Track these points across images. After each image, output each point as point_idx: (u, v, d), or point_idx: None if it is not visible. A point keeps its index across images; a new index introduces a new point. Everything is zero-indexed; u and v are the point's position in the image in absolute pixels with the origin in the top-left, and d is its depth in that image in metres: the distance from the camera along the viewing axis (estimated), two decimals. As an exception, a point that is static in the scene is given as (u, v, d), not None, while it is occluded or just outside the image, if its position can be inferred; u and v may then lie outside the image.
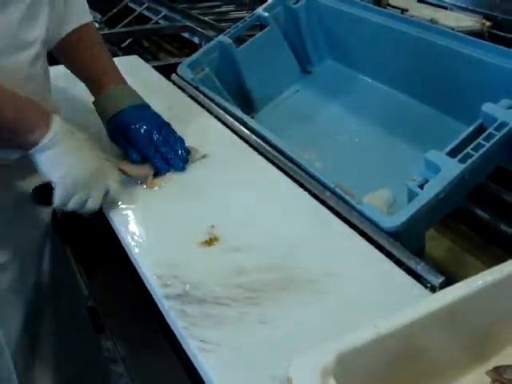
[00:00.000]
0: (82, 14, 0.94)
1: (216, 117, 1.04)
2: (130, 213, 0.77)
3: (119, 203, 0.79)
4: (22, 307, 0.91)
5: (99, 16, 1.95)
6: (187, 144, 0.89)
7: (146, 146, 0.85)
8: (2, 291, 0.87)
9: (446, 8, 1.58)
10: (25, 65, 0.76)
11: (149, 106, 0.91)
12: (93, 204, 0.75)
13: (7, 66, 0.73)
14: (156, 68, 1.32)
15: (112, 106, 0.89)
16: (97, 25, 1.86)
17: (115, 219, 0.76)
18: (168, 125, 0.90)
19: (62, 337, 0.99)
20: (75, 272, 0.89)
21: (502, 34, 1.49)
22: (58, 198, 0.72)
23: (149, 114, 0.89)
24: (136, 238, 0.72)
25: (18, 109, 0.70)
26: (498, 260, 0.55)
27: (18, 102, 0.71)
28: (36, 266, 0.93)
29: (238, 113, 1.03)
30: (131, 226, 0.74)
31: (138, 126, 0.86)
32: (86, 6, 0.97)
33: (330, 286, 0.64)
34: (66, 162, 0.72)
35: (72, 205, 0.74)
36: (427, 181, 0.73)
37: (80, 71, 0.94)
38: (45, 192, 0.73)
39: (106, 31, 1.89)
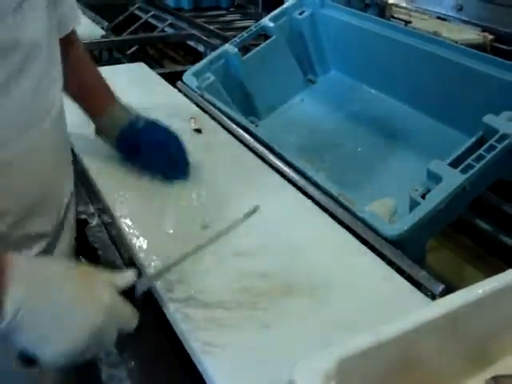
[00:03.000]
0: (73, 16, 0.81)
1: (220, 124, 1.05)
2: (136, 217, 0.78)
3: (125, 206, 0.80)
4: None
5: (106, 23, 1.96)
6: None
7: (158, 165, 0.86)
8: None
9: (448, 21, 1.60)
10: (47, 129, 0.66)
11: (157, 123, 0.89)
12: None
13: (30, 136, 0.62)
14: (161, 75, 1.33)
15: (122, 123, 0.86)
16: (103, 32, 1.88)
17: (122, 225, 0.77)
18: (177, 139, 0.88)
19: None
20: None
21: (504, 47, 1.50)
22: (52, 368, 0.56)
23: (164, 133, 0.87)
24: (142, 242, 0.73)
25: None
26: (498, 270, 0.56)
27: None
28: None
29: (243, 121, 1.04)
30: (137, 231, 0.75)
31: (155, 147, 0.85)
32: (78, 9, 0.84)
33: (332, 293, 0.65)
34: (47, 344, 0.51)
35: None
36: (429, 190, 0.74)
37: (74, 89, 0.83)
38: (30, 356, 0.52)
39: (113, 38, 1.90)
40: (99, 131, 0.89)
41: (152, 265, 0.69)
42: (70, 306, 0.52)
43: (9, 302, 0.48)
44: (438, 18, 1.63)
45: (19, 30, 0.56)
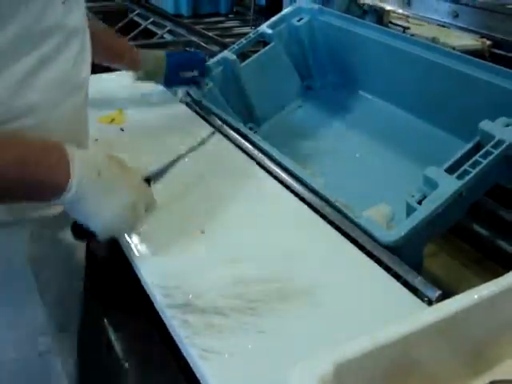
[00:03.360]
0: None
1: (219, 131, 1.06)
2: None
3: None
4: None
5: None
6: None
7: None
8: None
9: (446, 27, 1.60)
10: (81, 107, 0.75)
11: None
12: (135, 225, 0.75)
13: (65, 111, 0.70)
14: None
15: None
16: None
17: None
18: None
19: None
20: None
21: (502, 52, 1.51)
22: (100, 238, 0.69)
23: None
24: (139, 248, 0.73)
25: (25, 162, 0.61)
26: (495, 275, 0.56)
27: (23, 153, 0.61)
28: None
29: (241, 127, 1.04)
30: (134, 237, 0.76)
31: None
32: None
33: (328, 298, 0.65)
34: (98, 214, 0.66)
35: (115, 235, 0.73)
36: (425, 196, 0.74)
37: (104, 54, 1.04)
38: (84, 228, 0.68)
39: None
40: (146, 75, 1.13)
41: (148, 268, 0.69)
42: (115, 184, 0.68)
43: (74, 177, 0.62)
44: (435, 24, 1.63)
45: (65, 17, 0.67)
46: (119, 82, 1.30)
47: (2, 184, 0.60)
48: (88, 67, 0.76)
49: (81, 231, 0.68)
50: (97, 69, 1.31)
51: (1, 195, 0.63)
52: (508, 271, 0.56)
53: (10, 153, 0.60)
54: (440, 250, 0.98)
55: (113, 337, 0.75)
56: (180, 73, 1.15)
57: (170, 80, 1.15)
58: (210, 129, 1.06)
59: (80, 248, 0.86)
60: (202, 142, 1.00)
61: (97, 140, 0.98)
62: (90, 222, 0.67)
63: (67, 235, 0.73)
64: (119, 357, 0.71)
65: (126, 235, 0.76)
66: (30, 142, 0.63)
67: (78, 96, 0.73)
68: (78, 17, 0.71)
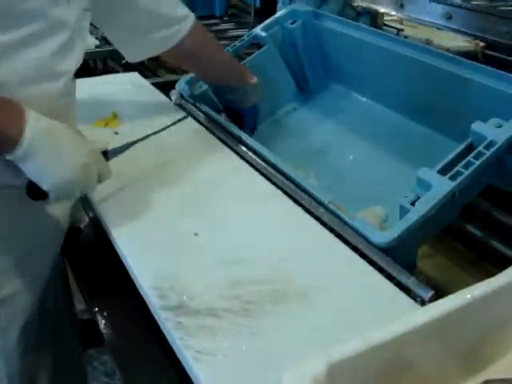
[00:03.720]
0: (183, 17, 0.99)
1: (213, 133, 1.06)
2: (127, 225, 0.78)
3: (118, 215, 0.81)
4: (24, 337, 0.88)
5: (101, 33, 1.97)
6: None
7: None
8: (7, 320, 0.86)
9: (439, 29, 1.61)
10: (55, 95, 0.76)
11: None
12: (89, 191, 0.79)
13: (38, 94, 0.73)
14: (155, 85, 1.34)
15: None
16: (97, 41, 1.88)
17: (113, 231, 0.78)
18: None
19: (61, 365, 0.98)
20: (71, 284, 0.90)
21: (495, 54, 1.51)
22: (52, 199, 0.72)
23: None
24: (133, 249, 0.74)
25: None
26: (489, 275, 0.56)
27: None
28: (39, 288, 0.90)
29: (235, 129, 1.05)
30: (129, 239, 0.76)
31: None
32: (183, 5, 1.00)
33: (322, 300, 0.65)
34: (50, 172, 0.69)
35: (68, 198, 0.77)
36: (419, 198, 0.75)
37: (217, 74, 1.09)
38: (37, 188, 0.71)
39: (107, 47, 1.91)
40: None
41: (143, 272, 0.69)
42: (67, 146, 0.71)
43: (27, 132, 0.65)
44: (430, 26, 1.64)
45: (50, 7, 0.70)
46: (114, 86, 1.30)
47: None
48: (73, 62, 0.78)
49: (34, 191, 0.71)
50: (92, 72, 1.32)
51: None
52: (501, 271, 0.57)
53: None
54: (434, 251, 0.98)
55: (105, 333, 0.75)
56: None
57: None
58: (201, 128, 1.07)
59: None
60: (174, 123, 1.00)
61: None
62: (41, 180, 0.69)
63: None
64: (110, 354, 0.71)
65: (120, 237, 0.76)
66: None
67: (54, 85, 0.75)
68: (71, 12, 0.74)
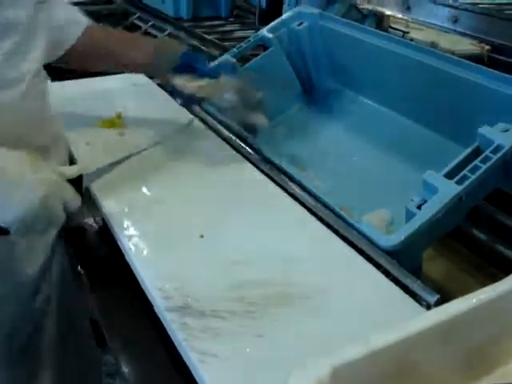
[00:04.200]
0: (79, 20, 0.97)
1: (218, 134, 1.06)
2: (133, 226, 0.79)
3: (123, 216, 0.81)
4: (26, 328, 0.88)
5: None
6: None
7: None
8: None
9: (445, 32, 1.60)
10: (17, 102, 0.73)
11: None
12: (57, 223, 0.75)
13: None
14: (160, 85, 1.34)
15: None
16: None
17: (119, 232, 0.78)
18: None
19: (64, 359, 0.97)
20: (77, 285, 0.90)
21: (501, 57, 1.51)
22: (14, 235, 0.71)
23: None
24: (138, 250, 0.74)
25: None
26: (494, 280, 0.56)
27: None
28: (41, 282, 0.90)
29: (240, 130, 1.05)
30: (134, 239, 0.76)
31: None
32: (77, 12, 0.99)
33: (327, 303, 0.65)
34: (6, 207, 0.68)
35: (33, 232, 0.73)
36: (425, 201, 0.75)
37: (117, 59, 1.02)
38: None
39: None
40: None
41: (148, 273, 0.69)
42: (19, 181, 0.68)
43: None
44: (434, 29, 1.64)
45: (8, 11, 0.69)
46: (119, 85, 1.31)
47: None
48: (30, 64, 0.74)
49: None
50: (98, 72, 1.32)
51: None
52: (507, 276, 0.56)
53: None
54: (439, 254, 0.98)
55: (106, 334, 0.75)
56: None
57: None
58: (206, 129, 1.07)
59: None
60: (181, 130, 1.02)
61: (88, 144, 0.98)
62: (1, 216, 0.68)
63: None
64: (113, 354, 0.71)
65: (125, 237, 0.76)
66: None
67: (13, 92, 0.72)
68: (18, 14, 0.71)
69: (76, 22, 0.96)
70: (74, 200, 0.75)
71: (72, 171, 0.75)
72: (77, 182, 0.76)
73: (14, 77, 0.72)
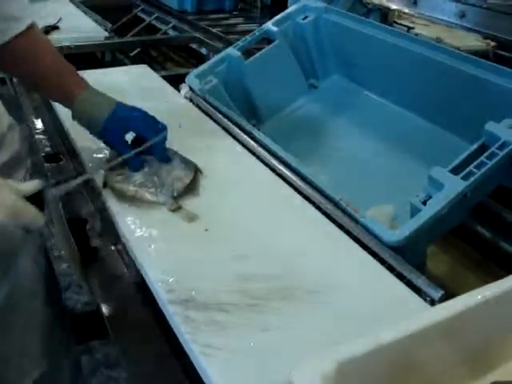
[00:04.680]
0: (25, 14, 0.84)
1: (222, 127, 1.06)
2: (135, 219, 0.78)
3: (126, 209, 0.80)
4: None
5: (109, 25, 1.97)
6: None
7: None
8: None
9: (451, 28, 1.60)
10: None
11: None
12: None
13: None
14: (164, 78, 1.34)
15: (100, 108, 0.86)
16: (107, 33, 1.88)
17: (122, 225, 0.77)
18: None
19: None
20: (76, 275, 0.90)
21: (506, 54, 1.50)
22: None
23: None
24: (141, 243, 0.73)
25: None
26: (497, 277, 0.56)
27: None
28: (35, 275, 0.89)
29: (245, 124, 1.04)
30: (137, 232, 0.75)
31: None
32: (27, 6, 0.86)
33: (331, 297, 0.65)
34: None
35: None
36: (430, 197, 0.74)
37: (38, 79, 0.87)
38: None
39: (116, 40, 1.91)
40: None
41: (154, 270, 0.69)
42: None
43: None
44: (441, 24, 1.63)
45: None
46: (123, 78, 1.30)
47: None
48: None
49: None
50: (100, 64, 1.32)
51: None
52: (511, 273, 0.56)
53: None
54: (442, 251, 0.98)
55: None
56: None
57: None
58: (211, 123, 1.06)
59: None
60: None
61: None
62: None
63: None
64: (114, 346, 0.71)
65: (128, 230, 0.76)
66: None
67: None
68: None
69: (17, 19, 0.83)
70: (35, 221, 0.66)
71: (30, 187, 0.66)
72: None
73: None
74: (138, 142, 0.86)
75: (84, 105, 0.86)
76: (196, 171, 0.88)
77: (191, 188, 0.85)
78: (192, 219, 0.78)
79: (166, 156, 0.87)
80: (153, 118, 0.87)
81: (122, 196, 0.82)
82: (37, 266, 0.90)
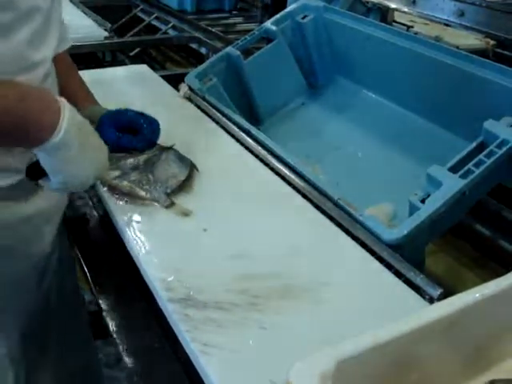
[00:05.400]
0: (66, 37, 0.92)
1: (222, 127, 1.06)
2: (135, 218, 0.78)
3: (125, 209, 0.80)
4: (27, 315, 0.86)
5: (109, 25, 1.97)
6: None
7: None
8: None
9: (450, 26, 1.60)
10: (38, 83, 0.73)
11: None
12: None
13: None
14: (163, 77, 1.33)
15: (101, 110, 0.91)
16: (106, 33, 1.88)
17: (121, 225, 0.78)
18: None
19: (66, 346, 0.97)
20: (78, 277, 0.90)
21: (506, 52, 1.50)
22: (54, 189, 0.71)
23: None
24: (141, 242, 0.73)
25: (24, 99, 0.65)
26: (496, 275, 0.56)
27: (23, 91, 0.66)
28: (42, 273, 0.88)
29: (244, 123, 1.04)
30: (136, 232, 0.76)
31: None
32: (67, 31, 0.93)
33: (330, 295, 0.65)
34: (70, 170, 0.69)
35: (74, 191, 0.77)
36: (429, 195, 0.74)
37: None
38: (40, 171, 0.69)
39: (116, 40, 1.91)
40: None
41: (153, 268, 0.69)
42: (96, 143, 0.72)
43: (64, 122, 0.64)
44: (440, 23, 1.63)
45: None
46: (123, 77, 1.30)
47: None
48: (49, 49, 0.76)
49: (36, 172, 0.69)
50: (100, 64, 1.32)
51: None
52: (509, 271, 0.56)
53: (10, 89, 0.64)
54: (441, 249, 0.98)
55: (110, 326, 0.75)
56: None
57: None
58: (211, 122, 1.06)
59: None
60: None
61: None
62: (63, 172, 0.68)
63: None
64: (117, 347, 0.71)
65: (128, 230, 0.76)
66: (25, 84, 0.67)
67: (34, 74, 0.73)
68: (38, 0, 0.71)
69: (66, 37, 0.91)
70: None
71: None
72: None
73: (38, 59, 0.73)
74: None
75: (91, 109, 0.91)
76: (192, 168, 0.88)
77: (186, 185, 0.85)
78: (186, 215, 0.79)
79: (152, 140, 0.90)
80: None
81: (117, 193, 0.83)
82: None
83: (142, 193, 0.82)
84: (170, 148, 0.91)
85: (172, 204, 0.81)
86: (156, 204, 0.81)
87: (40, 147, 0.65)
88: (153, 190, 0.83)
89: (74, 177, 0.70)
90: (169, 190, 0.83)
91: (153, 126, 0.90)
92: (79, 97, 0.92)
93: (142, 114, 0.90)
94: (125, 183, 0.83)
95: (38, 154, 0.68)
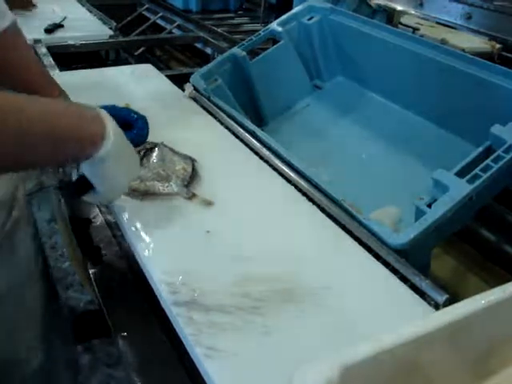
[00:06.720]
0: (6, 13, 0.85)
1: (226, 127, 1.05)
2: (140, 220, 0.78)
3: (130, 210, 0.80)
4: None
5: (114, 23, 1.97)
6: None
7: None
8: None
9: (456, 29, 1.59)
10: None
11: None
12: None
13: None
14: (168, 77, 1.33)
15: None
16: (111, 32, 1.88)
17: (126, 225, 0.77)
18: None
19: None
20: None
21: (511, 56, 1.50)
22: (98, 202, 0.74)
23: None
24: (146, 245, 0.73)
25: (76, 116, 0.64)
26: (502, 280, 0.56)
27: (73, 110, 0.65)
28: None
29: (249, 124, 1.04)
30: (141, 234, 0.75)
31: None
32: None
33: (335, 300, 0.64)
34: (115, 177, 0.70)
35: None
36: (435, 200, 0.74)
37: (13, 78, 0.87)
38: (84, 185, 0.69)
39: (120, 38, 1.91)
40: None
41: (155, 267, 0.69)
42: (133, 151, 0.73)
43: (110, 133, 0.65)
44: (446, 26, 1.63)
45: None
46: (127, 77, 1.30)
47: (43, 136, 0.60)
48: None
49: (83, 188, 0.70)
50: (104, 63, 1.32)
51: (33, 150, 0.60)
52: (514, 277, 0.56)
53: (52, 106, 0.63)
54: (445, 252, 0.98)
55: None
56: None
57: None
58: (214, 123, 1.06)
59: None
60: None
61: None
62: (103, 185, 0.69)
63: None
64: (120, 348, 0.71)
65: (132, 231, 0.75)
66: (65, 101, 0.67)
67: None
68: None
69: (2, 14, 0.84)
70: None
71: None
72: None
73: None
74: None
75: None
76: (191, 159, 0.90)
77: (195, 175, 0.87)
78: (209, 204, 0.81)
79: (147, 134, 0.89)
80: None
81: (134, 192, 0.82)
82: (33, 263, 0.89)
83: (161, 188, 0.83)
84: (159, 143, 0.91)
85: (194, 195, 0.82)
86: (160, 206, 0.80)
87: (85, 160, 0.65)
88: (172, 185, 0.83)
89: (119, 184, 0.71)
90: (186, 182, 0.84)
91: (144, 120, 0.89)
92: (40, 85, 0.88)
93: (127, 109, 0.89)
94: (143, 184, 0.83)
95: (83, 168, 0.67)
